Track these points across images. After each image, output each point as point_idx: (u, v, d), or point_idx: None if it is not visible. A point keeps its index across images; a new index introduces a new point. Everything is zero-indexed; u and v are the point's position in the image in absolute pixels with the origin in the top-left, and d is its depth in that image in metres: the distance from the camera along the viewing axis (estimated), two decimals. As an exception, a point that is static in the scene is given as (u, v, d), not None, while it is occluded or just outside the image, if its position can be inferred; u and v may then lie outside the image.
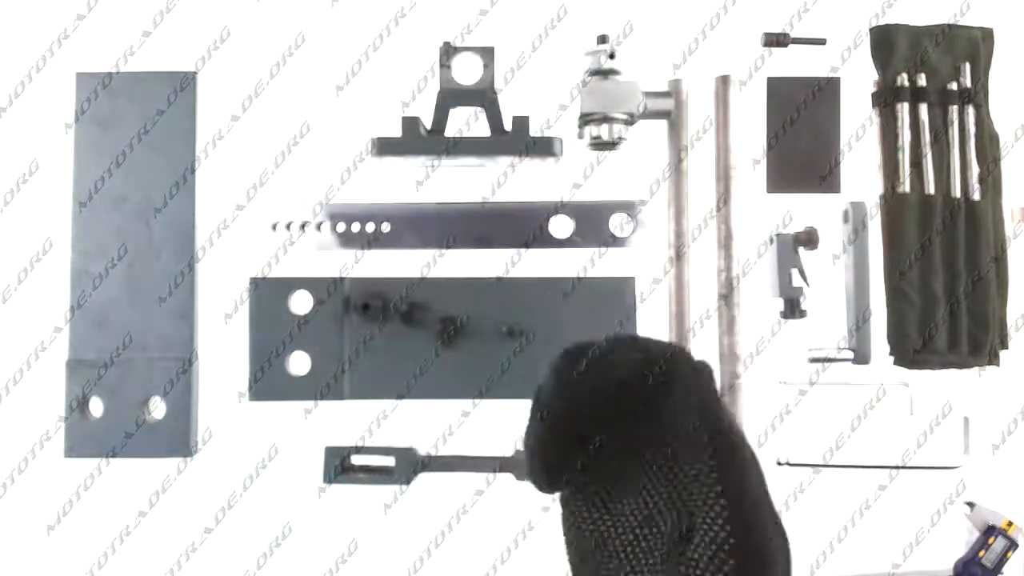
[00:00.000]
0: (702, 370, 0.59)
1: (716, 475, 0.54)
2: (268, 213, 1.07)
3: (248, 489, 1.04)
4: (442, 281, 1.05)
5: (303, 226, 1.07)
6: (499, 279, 1.06)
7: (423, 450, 1.03)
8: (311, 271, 1.06)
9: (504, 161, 1.04)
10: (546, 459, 0.60)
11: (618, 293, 1.05)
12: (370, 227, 1.07)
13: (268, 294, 1.05)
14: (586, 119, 1.02)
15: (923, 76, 1.08)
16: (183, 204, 1.03)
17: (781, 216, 1.08)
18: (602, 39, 1.03)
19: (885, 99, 1.09)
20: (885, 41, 1.10)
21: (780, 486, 1.06)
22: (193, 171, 1.04)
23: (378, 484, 1.02)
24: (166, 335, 1.02)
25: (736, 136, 1.06)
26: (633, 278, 1.06)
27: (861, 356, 1.06)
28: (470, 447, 1.04)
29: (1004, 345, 1.08)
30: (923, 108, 1.08)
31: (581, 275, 1.06)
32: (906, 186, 1.07)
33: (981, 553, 1.02)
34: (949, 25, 1.10)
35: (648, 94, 1.02)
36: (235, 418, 1.05)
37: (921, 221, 1.06)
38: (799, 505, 1.05)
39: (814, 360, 1.06)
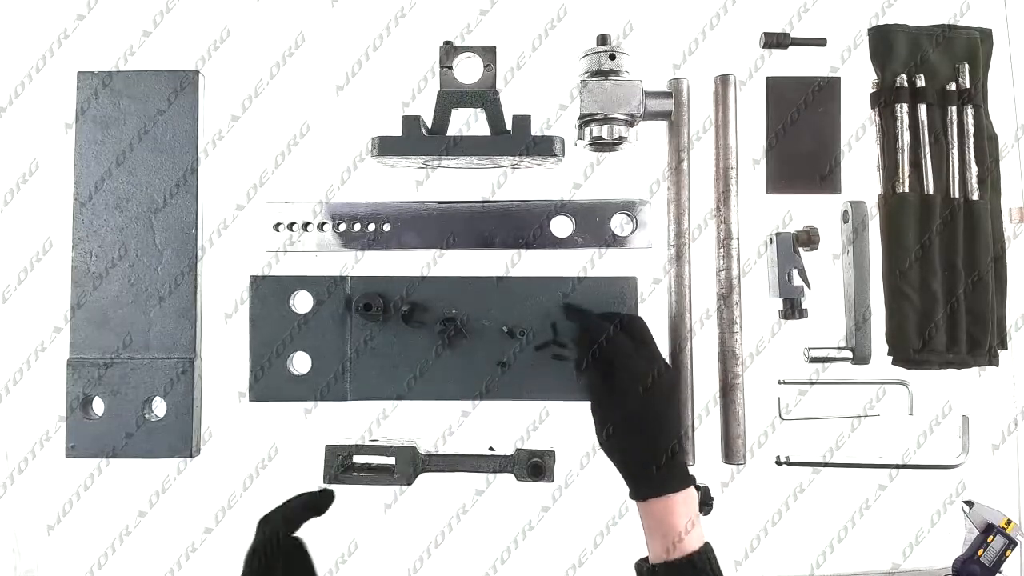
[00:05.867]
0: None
1: None
2: (269, 213, 1.07)
3: (248, 489, 1.04)
4: (443, 281, 1.05)
5: (305, 226, 1.07)
6: (500, 279, 1.06)
7: (424, 450, 1.03)
8: (312, 271, 1.06)
9: (504, 161, 1.04)
10: None
11: (619, 293, 1.05)
12: (370, 227, 1.07)
13: (268, 292, 1.05)
14: (586, 119, 1.02)
15: (922, 77, 1.09)
16: (184, 203, 1.03)
17: (781, 216, 1.08)
18: (602, 39, 1.03)
19: (884, 99, 1.09)
20: (884, 42, 1.10)
21: (780, 486, 1.06)
22: (195, 170, 1.04)
23: (378, 484, 1.02)
24: (167, 335, 1.02)
25: (736, 136, 1.06)
26: (635, 278, 1.06)
27: (861, 356, 1.06)
28: (470, 447, 1.04)
29: (1003, 345, 1.08)
30: (922, 109, 1.08)
31: (581, 275, 1.06)
32: (905, 186, 1.07)
33: (980, 552, 1.03)
34: (948, 26, 1.11)
35: (648, 94, 1.02)
36: (236, 418, 1.05)
37: (920, 221, 1.07)
38: (799, 505, 1.05)
39: (814, 360, 1.06)
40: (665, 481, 0.88)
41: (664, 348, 1.05)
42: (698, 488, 1.03)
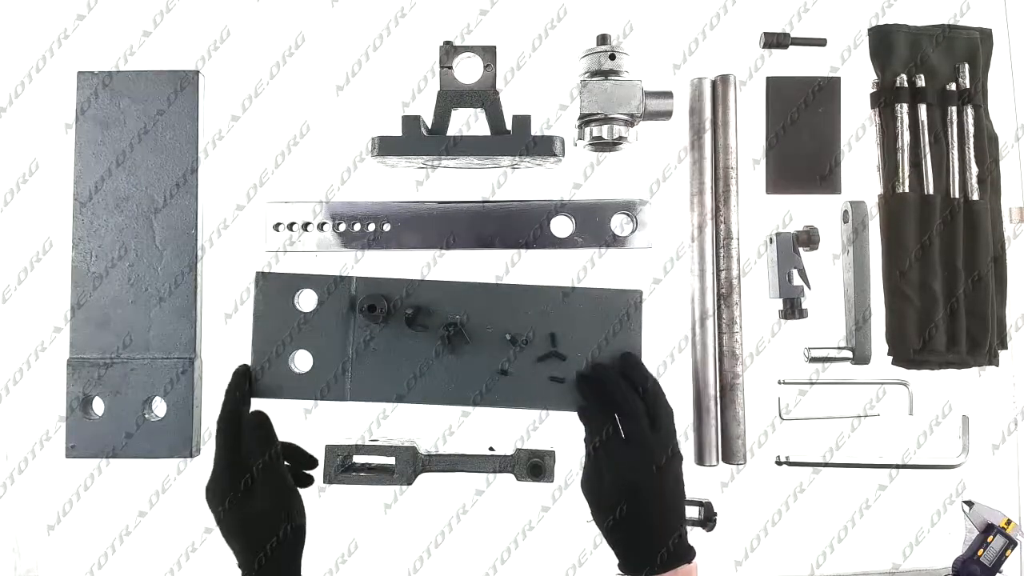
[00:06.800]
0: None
1: None
2: (269, 213, 1.07)
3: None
4: (448, 285, 1.05)
5: (305, 226, 1.07)
6: (507, 285, 1.05)
7: (424, 450, 1.03)
8: (316, 270, 1.06)
9: (504, 161, 1.04)
10: None
11: (623, 305, 1.04)
12: (371, 227, 1.06)
13: (273, 289, 1.04)
14: (586, 119, 1.02)
15: (922, 77, 1.09)
16: (184, 203, 1.03)
17: (781, 216, 1.08)
18: (602, 39, 1.03)
19: (884, 99, 1.09)
20: (884, 42, 1.10)
21: (780, 486, 1.06)
22: (195, 170, 1.04)
23: (378, 484, 1.02)
24: (167, 335, 1.02)
25: (736, 136, 1.06)
26: (640, 291, 1.05)
27: (861, 356, 1.06)
28: (470, 447, 1.04)
29: (1003, 345, 1.08)
30: (922, 109, 1.08)
31: (582, 276, 1.06)
32: (905, 186, 1.07)
33: (980, 552, 1.03)
34: (948, 26, 1.11)
35: (648, 94, 1.02)
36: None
37: (920, 221, 1.07)
38: (799, 505, 1.05)
39: (814, 360, 1.06)
40: (664, 563, 0.86)
41: (664, 348, 1.06)
42: (701, 505, 1.02)
